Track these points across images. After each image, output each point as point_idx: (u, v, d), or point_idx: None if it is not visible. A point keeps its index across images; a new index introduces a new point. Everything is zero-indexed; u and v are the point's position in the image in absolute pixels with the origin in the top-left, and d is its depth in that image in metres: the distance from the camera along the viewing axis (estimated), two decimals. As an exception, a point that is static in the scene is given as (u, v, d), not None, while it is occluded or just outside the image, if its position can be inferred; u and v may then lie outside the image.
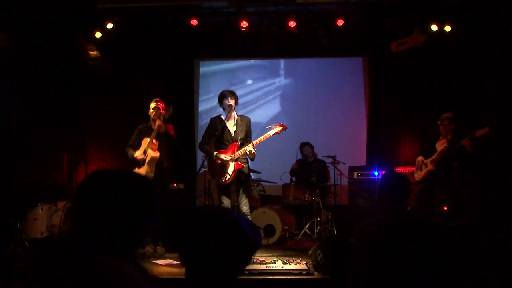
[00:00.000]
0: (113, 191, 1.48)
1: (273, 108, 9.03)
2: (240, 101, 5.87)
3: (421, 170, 5.93)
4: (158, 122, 5.69)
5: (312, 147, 7.82)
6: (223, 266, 1.51)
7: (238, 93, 5.82)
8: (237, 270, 1.57)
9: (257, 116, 8.35)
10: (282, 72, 9.12)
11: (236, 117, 5.70)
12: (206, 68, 9.13)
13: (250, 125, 5.75)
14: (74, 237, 1.45)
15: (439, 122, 5.79)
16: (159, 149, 5.84)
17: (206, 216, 1.58)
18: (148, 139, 5.82)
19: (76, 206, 1.51)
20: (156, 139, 5.79)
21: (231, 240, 1.51)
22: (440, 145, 5.79)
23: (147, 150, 5.79)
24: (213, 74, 9.13)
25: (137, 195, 1.52)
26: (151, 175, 5.75)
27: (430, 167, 5.79)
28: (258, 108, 8.94)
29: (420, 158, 6.00)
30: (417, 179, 5.97)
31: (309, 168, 7.52)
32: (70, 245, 1.42)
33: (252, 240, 1.55)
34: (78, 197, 1.50)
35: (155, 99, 5.98)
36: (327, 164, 7.66)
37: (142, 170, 5.78)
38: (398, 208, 3.00)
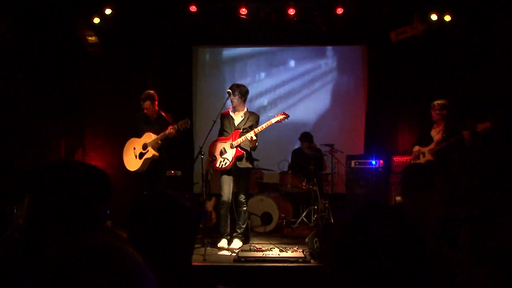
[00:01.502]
0: (66, 181, 1.56)
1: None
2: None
3: (418, 159, 5.91)
4: (172, 130, 5.65)
5: (308, 141, 7.74)
6: (172, 244, 1.56)
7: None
8: (187, 244, 1.62)
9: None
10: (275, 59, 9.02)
11: (245, 110, 5.78)
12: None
13: (257, 121, 5.78)
14: (36, 227, 1.57)
15: (431, 106, 5.79)
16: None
17: (143, 205, 1.63)
18: (151, 135, 5.84)
19: (33, 197, 1.58)
20: (161, 140, 5.82)
21: (171, 219, 1.58)
22: (436, 133, 5.77)
23: (148, 146, 5.82)
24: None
25: (90, 184, 1.59)
26: (143, 170, 5.87)
27: (428, 157, 5.76)
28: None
29: (416, 148, 5.97)
30: None
31: (305, 157, 7.52)
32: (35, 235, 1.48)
33: (192, 212, 1.62)
34: (35, 188, 1.57)
35: (147, 96, 5.99)
36: (324, 153, 7.66)
37: (136, 164, 5.88)
38: (421, 197, 3.02)
